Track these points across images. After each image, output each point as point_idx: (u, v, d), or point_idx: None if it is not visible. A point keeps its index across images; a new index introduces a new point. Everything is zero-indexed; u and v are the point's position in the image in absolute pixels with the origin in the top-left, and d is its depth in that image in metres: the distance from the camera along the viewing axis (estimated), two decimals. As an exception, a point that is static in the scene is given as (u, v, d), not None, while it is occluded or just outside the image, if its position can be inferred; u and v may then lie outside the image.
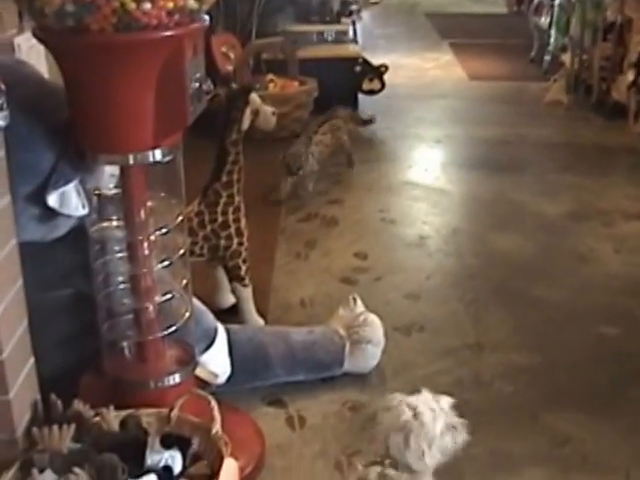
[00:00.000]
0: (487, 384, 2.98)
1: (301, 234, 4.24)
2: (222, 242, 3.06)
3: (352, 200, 4.69)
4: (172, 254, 2.32)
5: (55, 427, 2.06)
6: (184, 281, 2.37)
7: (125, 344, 2.39)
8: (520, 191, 4.84)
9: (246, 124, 2.94)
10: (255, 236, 3.99)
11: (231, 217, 3.05)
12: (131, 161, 2.11)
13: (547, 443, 2.68)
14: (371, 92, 6.36)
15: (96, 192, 2.26)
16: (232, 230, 3.06)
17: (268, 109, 3.00)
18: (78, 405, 2.19)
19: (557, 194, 4.75)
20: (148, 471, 2.03)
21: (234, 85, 3.25)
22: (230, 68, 5.52)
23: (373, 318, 3.04)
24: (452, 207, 4.67)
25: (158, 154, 2.12)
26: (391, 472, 2.02)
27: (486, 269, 3.87)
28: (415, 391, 2.09)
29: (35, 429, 2.06)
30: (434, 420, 2.00)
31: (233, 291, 3.21)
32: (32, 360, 2.18)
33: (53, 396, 2.19)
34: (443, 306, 3.52)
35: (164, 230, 2.26)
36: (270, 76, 5.97)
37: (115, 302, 2.33)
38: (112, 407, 2.20)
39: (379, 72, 6.35)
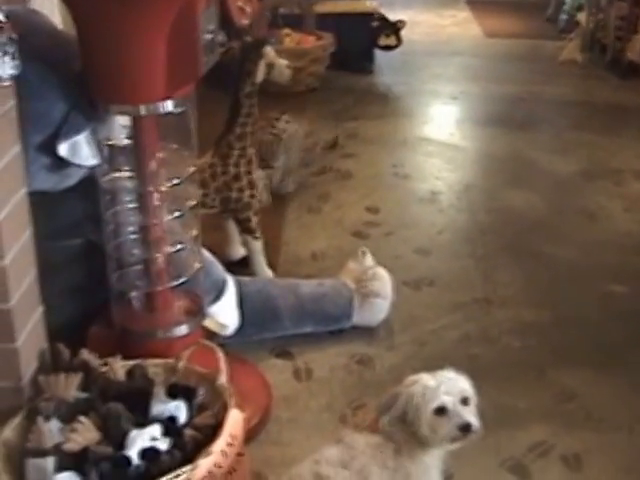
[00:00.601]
0: (495, 339, 3.00)
1: (314, 187, 4.25)
2: (233, 194, 3.07)
3: (366, 154, 4.68)
4: (183, 205, 2.32)
5: (61, 375, 2.08)
6: (194, 232, 2.38)
7: (134, 295, 2.41)
8: (533, 148, 4.83)
9: (260, 77, 2.93)
10: (267, 187, 4.05)
11: (243, 169, 3.05)
12: (142, 112, 2.11)
13: (552, 399, 2.70)
14: (387, 48, 6.32)
15: (108, 142, 2.26)
16: (244, 182, 3.06)
17: (283, 62, 2.99)
18: (85, 354, 2.20)
19: (570, 152, 4.74)
20: (153, 421, 2.05)
21: (248, 38, 3.22)
22: (246, 22, 5.46)
23: (382, 272, 3.05)
24: (465, 163, 4.66)
25: (169, 105, 2.12)
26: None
27: (497, 225, 3.87)
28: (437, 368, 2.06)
29: (42, 377, 2.08)
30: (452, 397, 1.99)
31: (244, 243, 3.22)
32: (41, 309, 2.20)
33: (61, 345, 2.21)
34: (453, 261, 3.53)
35: (175, 181, 2.26)
36: (286, 30, 5.94)
37: (125, 252, 2.34)
38: (119, 357, 2.23)
39: (396, 28, 6.31)
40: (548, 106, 5.65)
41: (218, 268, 2.70)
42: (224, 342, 2.76)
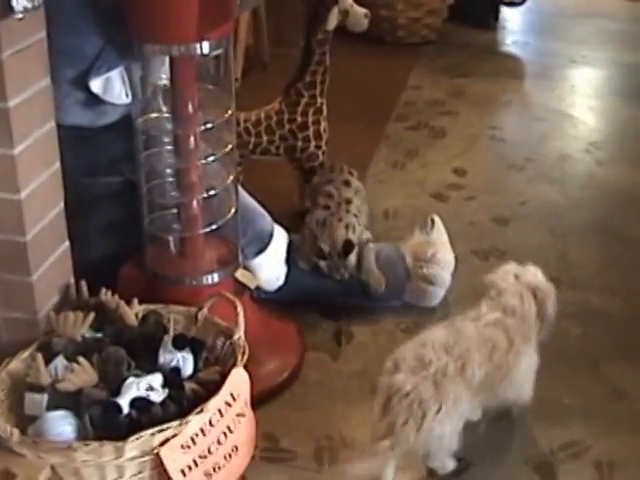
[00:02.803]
0: (557, 325, 2.80)
1: (404, 142, 4.10)
2: (299, 143, 2.99)
3: (466, 113, 4.47)
4: (220, 150, 2.26)
5: (71, 314, 2.07)
6: (231, 177, 2.31)
7: (167, 239, 2.37)
8: (649, 125, 4.50)
9: (333, 24, 2.83)
10: (356, 140, 3.95)
11: (311, 119, 2.97)
12: (176, 52, 2.07)
13: (601, 396, 2.52)
14: (512, 4, 5.99)
15: (145, 82, 2.21)
16: (310, 132, 2.98)
17: (360, 10, 2.86)
18: (103, 294, 2.18)
19: (690, 130, 4.40)
20: (157, 370, 2.01)
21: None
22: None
23: (445, 255, 2.88)
24: (570, 132, 4.37)
25: (205, 47, 2.06)
26: None
27: (588, 202, 3.63)
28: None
29: (52, 314, 2.07)
30: None
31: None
32: (66, 244, 2.18)
33: (82, 282, 2.20)
34: (531, 235, 3.34)
35: (210, 125, 2.19)
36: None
37: (159, 195, 2.30)
38: (136, 300, 2.19)
39: (521, -16, 5.99)
40: (680, 80, 5.26)
41: (265, 220, 2.63)
42: (271, 297, 2.71)
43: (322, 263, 2.71)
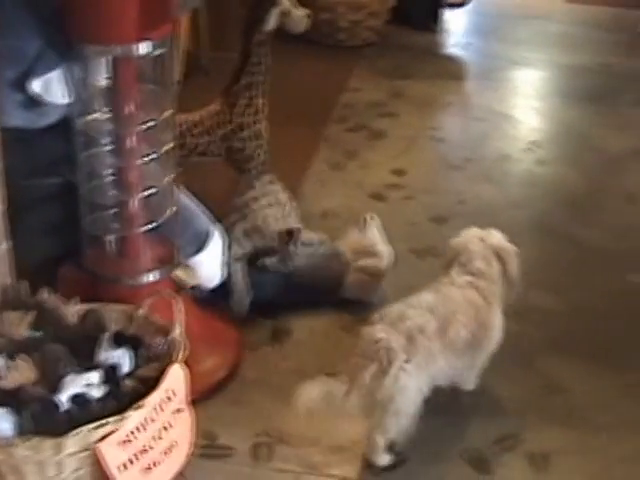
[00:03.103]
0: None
1: (344, 144, 4.13)
2: (237, 144, 3.00)
3: (406, 115, 4.52)
4: (159, 149, 2.27)
5: (11, 313, 2.08)
6: (170, 177, 2.32)
7: (106, 238, 2.38)
8: (589, 123, 4.58)
9: (271, 25, 2.84)
10: (296, 142, 3.98)
11: (249, 120, 2.98)
12: (116, 53, 2.09)
13: (536, 391, 2.59)
14: (452, 5, 6.05)
15: (86, 83, 2.22)
16: (249, 133, 2.99)
17: (300, 12, 2.88)
18: (43, 294, 2.19)
19: (626, 129, 4.48)
20: (95, 367, 2.02)
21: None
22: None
23: (382, 249, 2.93)
24: (510, 133, 4.45)
25: (145, 47, 2.08)
26: None
27: (527, 201, 3.71)
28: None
29: (-9, 313, 2.07)
30: None
31: (247, 195, 3.14)
32: (5, 246, 2.18)
33: (22, 282, 2.20)
34: (469, 235, 3.39)
35: (151, 124, 2.21)
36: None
37: (98, 195, 2.30)
38: (77, 300, 2.20)
39: (462, -15, 6.07)
40: (616, 80, 5.33)
41: (203, 219, 2.64)
42: (208, 296, 2.73)
43: (268, 261, 2.73)
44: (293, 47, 4.91)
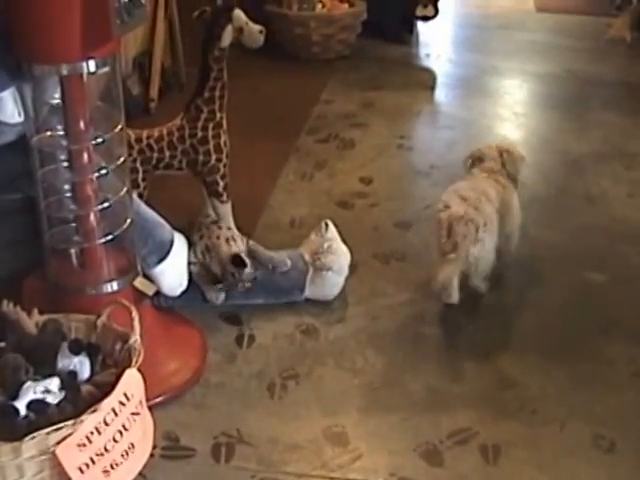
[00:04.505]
0: (450, 320, 2.95)
1: (314, 155, 4.23)
2: (200, 157, 3.08)
3: (376, 125, 4.62)
4: (112, 163, 2.36)
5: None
6: (124, 189, 2.41)
7: (67, 251, 2.46)
8: (553, 129, 4.70)
9: (227, 41, 2.92)
10: (267, 154, 4.08)
11: (211, 133, 3.05)
12: (64, 72, 2.15)
13: (489, 386, 2.65)
14: (425, 18, 6.14)
15: (38, 101, 2.30)
16: (211, 146, 3.07)
17: (255, 27, 2.97)
18: (5, 306, 2.27)
19: (587, 133, 4.59)
20: (55, 374, 2.10)
21: (219, 2, 3.22)
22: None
23: (339, 246, 3.04)
24: (476, 140, 4.46)
25: (92, 65, 2.15)
26: None
27: (491, 204, 3.78)
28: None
29: (-48, 325, 2.15)
30: None
31: (212, 207, 3.23)
32: (-34, 259, 2.26)
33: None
34: (431, 238, 3.46)
35: (101, 140, 2.29)
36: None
37: (56, 209, 2.38)
38: (37, 310, 2.29)
39: (433, -3, 6.16)
40: (583, 85, 5.46)
41: (164, 228, 2.73)
42: (174, 304, 2.82)
43: (220, 286, 2.83)
44: (268, 62, 5.07)
